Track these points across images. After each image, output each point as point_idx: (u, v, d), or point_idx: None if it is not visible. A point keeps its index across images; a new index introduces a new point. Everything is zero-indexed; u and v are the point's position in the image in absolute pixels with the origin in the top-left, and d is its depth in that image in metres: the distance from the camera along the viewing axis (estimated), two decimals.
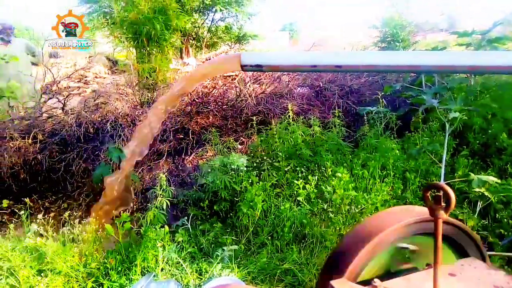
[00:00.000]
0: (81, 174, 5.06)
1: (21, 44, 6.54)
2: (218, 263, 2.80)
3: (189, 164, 5.73)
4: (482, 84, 5.64)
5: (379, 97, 5.05)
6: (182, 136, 5.90)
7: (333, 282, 0.95)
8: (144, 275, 2.69)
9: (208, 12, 13.36)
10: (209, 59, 11.32)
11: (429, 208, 0.93)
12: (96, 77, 10.80)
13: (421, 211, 1.23)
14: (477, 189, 3.45)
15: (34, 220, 3.15)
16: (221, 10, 13.00)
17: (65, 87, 8.39)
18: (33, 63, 6.85)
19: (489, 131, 4.71)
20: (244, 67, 3.07)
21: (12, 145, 4.99)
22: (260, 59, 3.06)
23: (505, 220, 3.34)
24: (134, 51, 7.10)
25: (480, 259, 1.21)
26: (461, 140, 4.86)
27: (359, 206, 3.44)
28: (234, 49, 13.70)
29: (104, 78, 10.80)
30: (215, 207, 4.11)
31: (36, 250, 2.68)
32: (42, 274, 2.56)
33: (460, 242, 1.23)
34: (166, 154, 5.53)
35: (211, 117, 6.25)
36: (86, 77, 10.48)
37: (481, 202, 3.49)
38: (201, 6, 12.49)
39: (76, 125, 5.09)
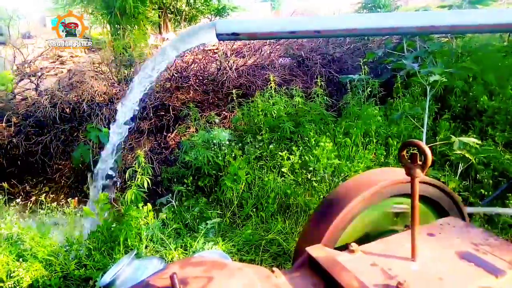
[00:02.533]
0: (60, 156, 4.93)
1: None
2: (202, 237, 2.78)
3: (171, 141, 5.63)
4: (463, 46, 5.60)
5: (361, 64, 4.98)
6: (163, 113, 5.76)
7: (308, 249, 0.92)
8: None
9: None
10: None
11: (405, 167, 0.89)
12: (72, 56, 10.40)
13: (401, 173, 1.19)
14: (458, 151, 3.47)
15: (12, 205, 3.06)
16: None
17: (41, 68, 8.08)
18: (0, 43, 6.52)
19: (470, 94, 4.72)
20: (219, 36, 2.95)
21: None
22: (236, 27, 2.94)
23: (486, 180, 3.39)
24: (109, 27, 6.83)
25: (459, 218, 1.19)
26: (443, 104, 4.87)
27: (342, 174, 3.43)
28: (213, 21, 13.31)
29: (81, 57, 10.42)
30: (199, 183, 4.07)
31: (16, 235, 2.60)
32: (21, 259, 2.50)
33: (439, 202, 1.21)
34: (147, 132, 5.41)
35: (191, 92, 6.11)
36: (61, 56, 10.08)
37: (462, 164, 3.52)
38: None
39: (51, 106, 4.91)
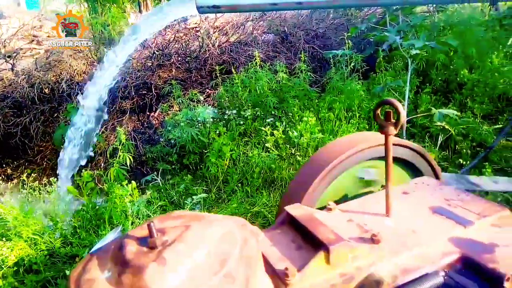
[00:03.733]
0: (41, 137, 4.84)
1: None
2: (196, 202, 2.81)
3: (154, 120, 5.57)
4: (445, 20, 5.63)
5: (345, 39, 4.96)
6: (145, 92, 5.68)
7: (287, 208, 0.94)
8: None
9: None
10: None
11: (379, 124, 0.91)
12: (49, 36, 10.05)
13: (377, 136, 1.22)
14: (438, 123, 3.55)
15: None
16: None
17: (16, 49, 7.80)
18: None
19: (451, 67, 4.77)
20: (200, 9, 2.89)
21: None
22: (215, 0, 2.89)
23: (464, 151, 3.48)
24: (86, 5, 6.60)
25: (433, 178, 1.23)
26: (424, 78, 4.92)
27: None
28: None
29: (59, 37, 10.08)
30: (184, 161, 4.07)
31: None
32: (4, 239, 2.48)
33: (414, 164, 1.24)
34: (129, 111, 5.33)
35: (174, 70, 6.01)
36: (37, 36, 9.73)
37: (442, 136, 3.60)
38: None
39: (29, 86, 4.78)
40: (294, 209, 0.92)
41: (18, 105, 4.88)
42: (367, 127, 3.96)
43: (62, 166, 3.78)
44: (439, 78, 4.72)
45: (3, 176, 4.52)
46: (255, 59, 4.72)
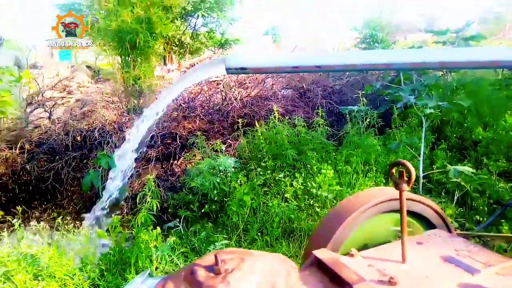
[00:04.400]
0: (70, 182, 5.10)
1: (10, 55, 6.49)
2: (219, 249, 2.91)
3: (177, 168, 5.80)
4: (458, 80, 5.88)
5: (360, 96, 5.23)
6: (170, 141, 5.98)
7: (315, 252, 1.07)
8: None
9: (190, 18, 13.42)
10: (193, 65, 11.37)
11: (394, 182, 1.07)
12: (79, 86, 10.75)
13: (394, 191, 1.38)
14: (454, 179, 3.64)
15: (26, 228, 3.20)
16: (203, 15, 13.07)
17: (49, 97, 8.37)
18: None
19: (465, 125, 4.93)
20: (228, 70, 3.19)
21: None
22: (243, 62, 3.19)
23: (481, 207, 3.53)
24: (118, 59, 7.15)
25: (445, 231, 1.35)
26: (439, 134, 5.07)
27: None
28: (217, 53, 13.81)
29: (88, 87, 10.76)
30: (205, 209, 4.20)
31: (32, 256, 2.73)
32: (38, 278, 2.61)
33: (427, 217, 1.37)
34: (154, 159, 5.60)
35: (198, 121, 6.35)
36: (69, 86, 10.42)
37: (458, 191, 3.67)
38: (183, 12, 12.52)
39: (64, 134, 5.12)
40: (321, 253, 1.05)
41: (52, 151, 5.20)
42: (384, 181, 4.07)
43: (95, 210, 3.97)
44: (454, 135, 4.87)
45: (31, 219, 4.73)
46: (274, 113, 5.00)
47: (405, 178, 1.05)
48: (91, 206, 5.07)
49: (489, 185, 3.80)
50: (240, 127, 4.93)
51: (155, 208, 3.22)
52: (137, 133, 3.44)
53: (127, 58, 6.69)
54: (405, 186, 1.05)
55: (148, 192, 3.25)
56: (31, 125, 5.99)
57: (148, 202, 3.18)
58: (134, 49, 6.47)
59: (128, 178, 4.49)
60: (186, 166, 5.67)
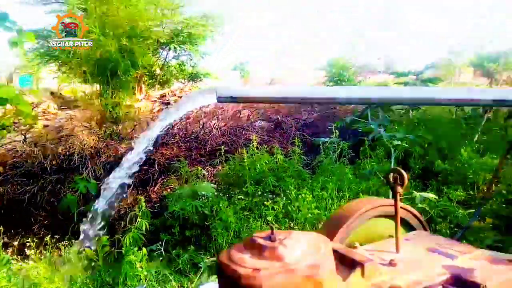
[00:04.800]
0: (45, 206, 5.00)
1: None
2: (202, 273, 3.00)
3: (153, 194, 5.84)
4: (418, 118, 6.47)
5: (333, 128, 5.61)
6: (147, 167, 6.04)
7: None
8: None
9: (162, 50, 13.61)
10: (163, 96, 11.47)
11: (390, 186, 1.32)
12: (44, 112, 10.53)
13: (384, 201, 1.63)
14: (419, 205, 4.00)
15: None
16: (174, 48, 13.29)
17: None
18: None
19: (426, 157, 5.40)
20: (219, 99, 3.44)
21: None
22: (234, 93, 3.46)
23: (444, 230, 3.88)
24: (97, 86, 7.23)
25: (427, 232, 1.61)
26: (404, 166, 5.51)
27: (321, 222, 3.81)
28: (188, 86, 14.03)
29: (54, 113, 10.57)
30: (186, 233, 4.28)
31: (18, 274, 2.72)
32: None
33: (410, 222, 1.63)
34: (132, 186, 5.62)
35: (175, 149, 6.48)
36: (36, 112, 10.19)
37: (423, 217, 4.02)
38: (155, 44, 12.76)
39: (42, 157, 5.09)
40: (334, 245, 1.26)
41: (28, 174, 5.12)
42: None
43: (84, 231, 3.94)
44: (417, 166, 5.31)
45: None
46: (253, 142, 5.26)
47: (399, 182, 1.30)
48: (65, 230, 4.98)
49: (450, 211, 4.19)
50: (222, 153, 5.13)
51: (144, 228, 3.30)
52: (130, 159, 3.56)
53: (106, 86, 6.81)
54: (399, 189, 1.30)
55: (139, 212, 3.33)
56: (2, 148, 5.87)
57: (138, 221, 3.26)
58: (113, 77, 6.61)
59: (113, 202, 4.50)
60: (163, 192, 5.73)
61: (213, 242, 3.76)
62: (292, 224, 3.84)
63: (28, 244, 3.19)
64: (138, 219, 3.28)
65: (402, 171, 1.28)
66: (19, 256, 3.09)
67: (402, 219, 1.65)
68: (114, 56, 6.02)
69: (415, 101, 4.16)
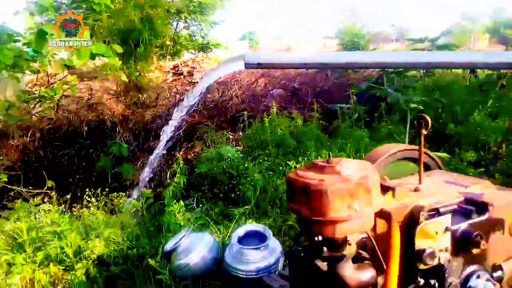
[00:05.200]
0: (82, 167, 5.40)
1: None
2: (239, 217, 3.38)
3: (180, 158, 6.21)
4: (433, 83, 6.63)
5: (350, 94, 5.83)
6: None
7: None
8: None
9: (172, 20, 13.61)
10: (176, 66, 11.53)
11: (416, 128, 1.59)
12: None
13: (406, 145, 1.92)
14: None
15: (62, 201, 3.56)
16: (185, 18, 13.26)
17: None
18: None
19: (440, 121, 5.62)
20: (247, 65, 3.68)
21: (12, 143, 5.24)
22: (261, 58, 3.70)
23: None
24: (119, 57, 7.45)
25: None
26: (416, 132, 5.74)
27: None
28: (200, 57, 14.12)
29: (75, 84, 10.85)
30: (215, 190, 4.65)
31: (80, 219, 3.11)
32: (86, 239, 3.00)
33: (428, 164, 1.92)
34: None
35: (196, 116, 6.78)
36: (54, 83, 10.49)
37: None
38: (166, 14, 12.79)
39: (77, 123, 5.44)
40: None
41: (63, 139, 5.49)
42: None
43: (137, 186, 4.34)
44: (430, 130, 5.53)
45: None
46: (272, 107, 5.53)
47: (424, 126, 1.58)
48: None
49: (461, 170, 4.46)
50: (245, 118, 5.41)
51: (182, 183, 3.65)
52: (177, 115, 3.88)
53: (129, 56, 7.04)
54: (423, 131, 1.57)
55: (178, 168, 3.67)
56: (38, 115, 6.23)
57: (178, 177, 3.61)
58: (137, 47, 6.83)
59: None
60: (187, 156, 6.08)
61: (240, 197, 4.11)
62: None
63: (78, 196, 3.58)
64: (177, 175, 3.63)
65: (427, 116, 1.55)
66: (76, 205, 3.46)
67: (424, 163, 1.94)
68: (138, 26, 6.22)
69: (432, 66, 4.36)
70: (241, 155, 4.89)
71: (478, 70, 7.50)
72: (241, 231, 2.70)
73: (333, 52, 9.10)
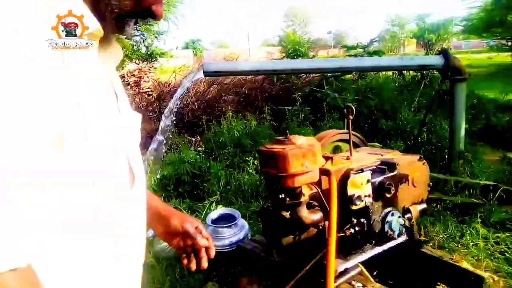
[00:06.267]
0: None
1: None
2: (208, 207, 3.83)
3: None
4: (365, 85, 7.56)
5: (297, 97, 6.53)
6: None
7: None
8: None
9: None
10: (122, 76, 11.60)
11: (345, 115, 2.21)
12: None
13: (341, 131, 2.54)
14: None
15: None
16: None
17: None
18: None
19: (373, 117, 6.49)
20: (206, 73, 4.18)
21: None
22: (218, 67, 4.22)
23: None
24: None
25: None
26: (354, 124, 6.57)
27: None
28: (142, 66, 14.17)
29: None
30: (179, 189, 5.05)
31: None
32: None
33: (357, 143, 2.56)
34: None
35: (153, 124, 7.12)
36: None
37: None
38: None
39: None
40: None
41: None
42: None
43: None
44: (365, 125, 6.39)
45: None
46: (228, 112, 6.06)
47: (350, 113, 2.19)
48: None
49: None
50: (204, 122, 5.88)
51: (152, 182, 4.04)
52: None
53: None
54: (350, 116, 2.19)
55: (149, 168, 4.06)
56: None
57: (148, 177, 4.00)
58: None
59: None
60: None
61: (206, 193, 4.56)
62: None
63: None
64: (148, 174, 4.01)
65: (352, 105, 2.17)
66: None
67: (354, 144, 2.58)
68: None
69: (359, 69, 5.15)
70: (203, 155, 5.35)
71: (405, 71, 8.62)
72: (214, 214, 3.17)
73: (280, 60, 9.83)
